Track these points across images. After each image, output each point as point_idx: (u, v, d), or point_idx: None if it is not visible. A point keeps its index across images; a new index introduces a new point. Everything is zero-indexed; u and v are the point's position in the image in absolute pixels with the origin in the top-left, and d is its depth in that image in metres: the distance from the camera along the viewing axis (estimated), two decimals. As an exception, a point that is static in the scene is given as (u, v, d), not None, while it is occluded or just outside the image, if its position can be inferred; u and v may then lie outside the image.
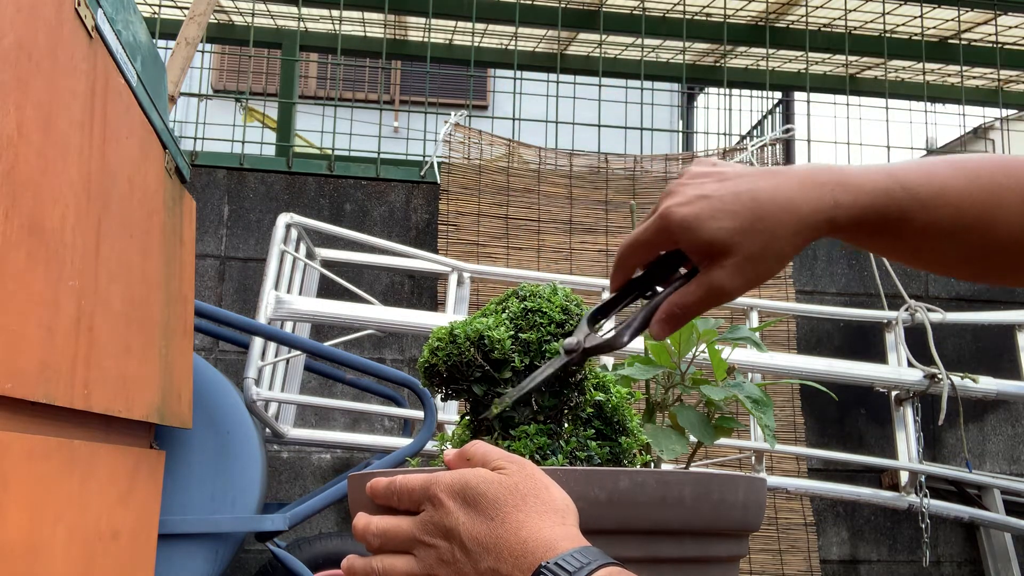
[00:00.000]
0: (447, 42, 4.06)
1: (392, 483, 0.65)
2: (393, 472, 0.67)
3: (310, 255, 2.78)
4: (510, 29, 3.89)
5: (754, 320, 2.93)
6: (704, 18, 3.86)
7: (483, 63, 4.34)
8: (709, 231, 0.65)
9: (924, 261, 0.73)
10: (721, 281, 0.66)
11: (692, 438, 0.94)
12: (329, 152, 3.44)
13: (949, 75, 4.26)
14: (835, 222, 0.67)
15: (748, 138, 4.77)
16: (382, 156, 3.37)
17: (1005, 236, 0.68)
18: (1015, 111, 4.80)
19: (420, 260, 2.79)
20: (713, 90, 5.18)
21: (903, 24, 3.87)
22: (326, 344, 2.25)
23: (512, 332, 0.77)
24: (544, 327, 0.78)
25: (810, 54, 3.97)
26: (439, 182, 3.23)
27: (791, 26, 3.92)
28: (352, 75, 6.32)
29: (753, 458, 2.78)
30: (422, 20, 3.88)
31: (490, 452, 0.65)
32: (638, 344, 0.94)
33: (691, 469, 0.79)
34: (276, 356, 2.46)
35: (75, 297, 1.13)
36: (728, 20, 3.82)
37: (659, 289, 0.73)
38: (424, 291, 3.20)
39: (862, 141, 3.70)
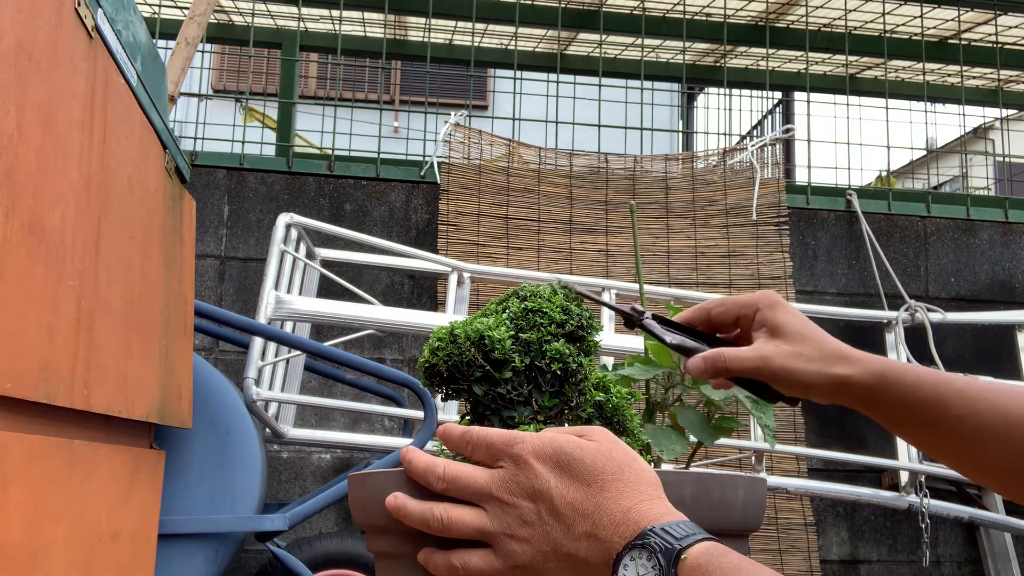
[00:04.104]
0: (447, 42, 4.06)
1: (468, 432, 0.64)
2: (391, 472, 0.67)
3: (310, 255, 2.78)
4: (510, 29, 3.89)
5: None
6: (704, 18, 3.86)
7: (483, 63, 4.34)
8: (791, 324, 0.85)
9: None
10: (771, 356, 0.82)
11: (692, 438, 0.95)
12: (329, 152, 3.44)
13: (949, 75, 4.26)
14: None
15: (748, 138, 4.77)
16: (382, 156, 3.37)
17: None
18: (1015, 111, 4.81)
19: (420, 260, 2.79)
20: (713, 90, 5.18)
21: (903, 24, 3.87)
22: (326, 344, 2.25)
23: (513, 332, 0.77)
24: (545, 327, 0.78)
25: (810, 54, 3.97)
26: (439, 182, 3.23)
27: (791, 26, 3.92)
28: (352, 75, 6.32)
29: (753, 458, 2.78)
30: (422, 20, 3.88)
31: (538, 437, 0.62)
32: (638, 344, 0.94)
33: (691, 469, 0.79)
34: (276, 356, 2.46)
35: (75, 297, 1.13)
36: (728, 20, 3.82)
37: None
38: (424, 291, 3.20)
39: (862, 141, 3.70)
